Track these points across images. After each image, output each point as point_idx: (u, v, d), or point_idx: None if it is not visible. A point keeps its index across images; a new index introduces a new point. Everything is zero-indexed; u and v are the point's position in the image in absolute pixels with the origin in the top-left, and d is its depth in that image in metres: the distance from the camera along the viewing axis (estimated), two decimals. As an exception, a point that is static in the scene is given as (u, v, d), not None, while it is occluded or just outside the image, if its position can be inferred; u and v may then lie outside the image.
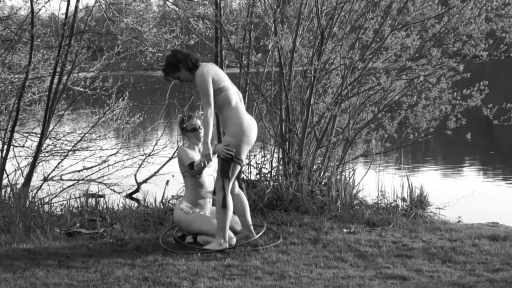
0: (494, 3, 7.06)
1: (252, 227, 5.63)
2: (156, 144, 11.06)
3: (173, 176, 10.11)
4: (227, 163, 5.31)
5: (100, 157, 10.87)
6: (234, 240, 5.50)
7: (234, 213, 5.64)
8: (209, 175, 5.78)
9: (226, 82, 5.38)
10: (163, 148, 11.09)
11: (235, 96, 5.41)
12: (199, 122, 5.78)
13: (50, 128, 9.58)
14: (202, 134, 5.66)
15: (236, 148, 5.29)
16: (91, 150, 10.89)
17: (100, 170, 10.65)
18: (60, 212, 7.21)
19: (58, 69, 8.78)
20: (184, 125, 5.78)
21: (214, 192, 5.56)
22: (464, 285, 4.40)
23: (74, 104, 10.96)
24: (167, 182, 9.44)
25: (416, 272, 4.72)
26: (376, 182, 7.15)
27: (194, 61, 5.38)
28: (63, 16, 9.16)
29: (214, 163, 5.69)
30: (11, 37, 9.49)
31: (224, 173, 5.34)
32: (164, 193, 8.37)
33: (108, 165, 10.70)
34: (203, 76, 5.25)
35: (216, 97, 5.29)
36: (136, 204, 8.03)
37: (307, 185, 6.81)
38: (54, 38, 9.64)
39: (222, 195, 5.33)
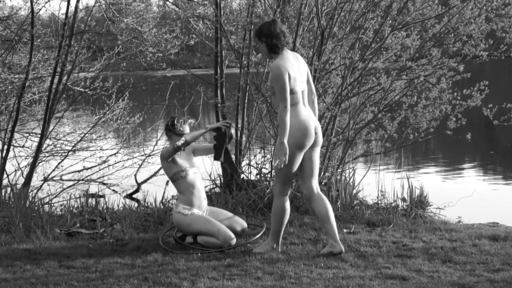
0: (494, 3, 7.05)
1: (337, 236, 5.16)
2: (156, 144, 11.06)
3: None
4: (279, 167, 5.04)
5: (100, 157, 10.87)
6: (234, 241, 5.49)
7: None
8: (195, 173, 5.78)
9: (297, 86, 4.98)
10: (163, 148, 11.07)
11: (300, 99, 5.01)
12: (187, 129, 5.79)
13: (50, 128, 9.58)
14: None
15: (289, 150, 4.93)
16: (91, 150, 10.90)
17: (100, 170, 10.66)
18: (60, 212, 7.22)
19: (58, 69, 8.79)
20: (175, 128, 5.78)
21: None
22: (464, 285, 4.39)
23: (74, 104, 10.97)
24: (167, 182, 9.40)
25: (416, 272, 4.71)
26: (376, 182, 7.15)
27: (274, 44, 4.99)
28: (63, 16, 9.17)
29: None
30: (11, 37, 9.50)
31: (276, 176, 5.22)
32: (164, 193, 8.38)
33: (108, 165, 10.71)
34: (279, 69, 4.89)
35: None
36: (136, 204, 8.04)
37: (307, 185, 6.80)
38: (54, 38, 9.65)
39: (275, 199, 5.25)
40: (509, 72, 30.21)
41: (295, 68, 5.02)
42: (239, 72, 8.12)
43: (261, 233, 5.67)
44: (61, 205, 7.79)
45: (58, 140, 10.75)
